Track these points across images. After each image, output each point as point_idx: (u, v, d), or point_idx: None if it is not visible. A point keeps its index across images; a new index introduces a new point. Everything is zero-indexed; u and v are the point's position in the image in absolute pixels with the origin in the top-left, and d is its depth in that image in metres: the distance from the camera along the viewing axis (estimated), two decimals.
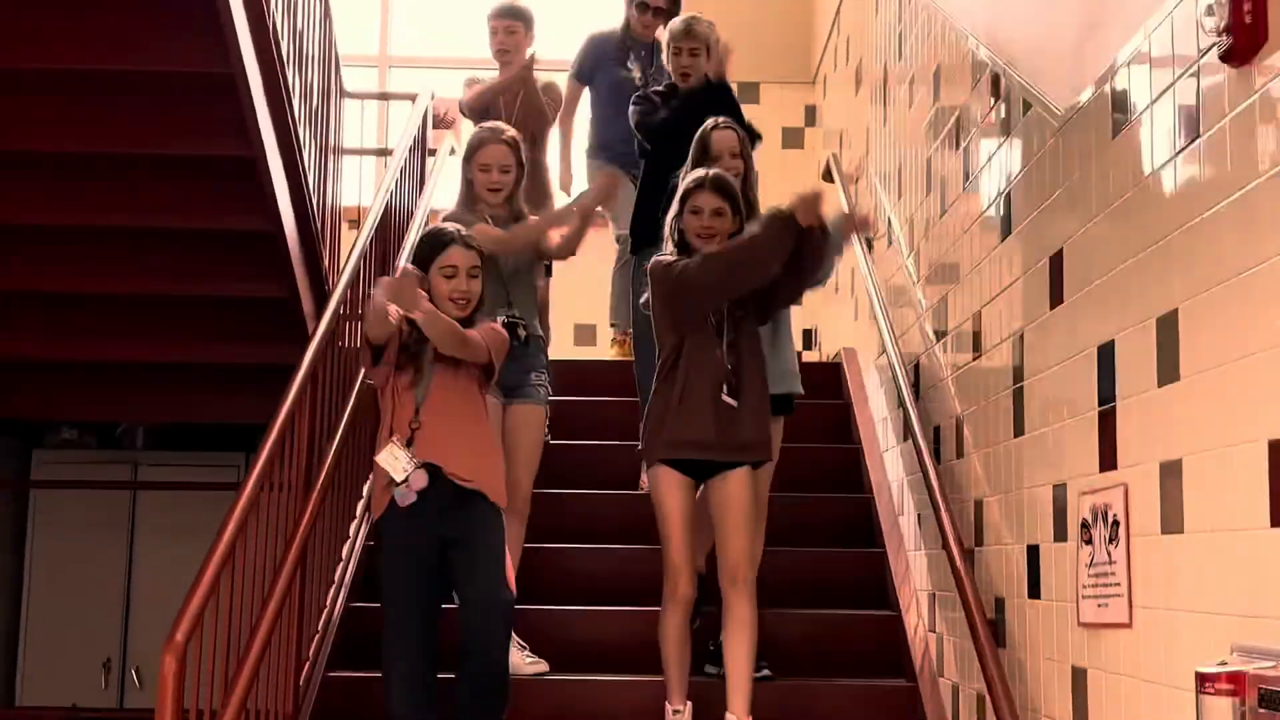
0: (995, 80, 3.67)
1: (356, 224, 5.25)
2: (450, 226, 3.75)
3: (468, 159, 4.27)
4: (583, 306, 7.11)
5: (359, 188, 6.00)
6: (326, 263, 5.34)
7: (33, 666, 6.60)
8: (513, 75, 5.35)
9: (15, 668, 6.61)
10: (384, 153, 6.13)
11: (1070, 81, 3.01)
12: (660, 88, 5.01)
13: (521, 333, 4.15)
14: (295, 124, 4.65)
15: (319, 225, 5.20)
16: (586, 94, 5.92)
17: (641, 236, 4.64)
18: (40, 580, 6.66)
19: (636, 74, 5.60)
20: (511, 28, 5.34)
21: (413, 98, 6.03)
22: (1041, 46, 3.28)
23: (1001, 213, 3.56)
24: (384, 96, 6.55)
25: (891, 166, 5.25)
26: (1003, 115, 3.59)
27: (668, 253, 3.82)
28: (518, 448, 4.17)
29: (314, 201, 5.06)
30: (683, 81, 4.83)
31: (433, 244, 3.67)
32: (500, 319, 4.00)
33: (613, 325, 5.97)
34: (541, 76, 5.46)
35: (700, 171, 3.82)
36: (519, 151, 4.29)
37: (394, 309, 3.47)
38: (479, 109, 5.35)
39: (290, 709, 3.78)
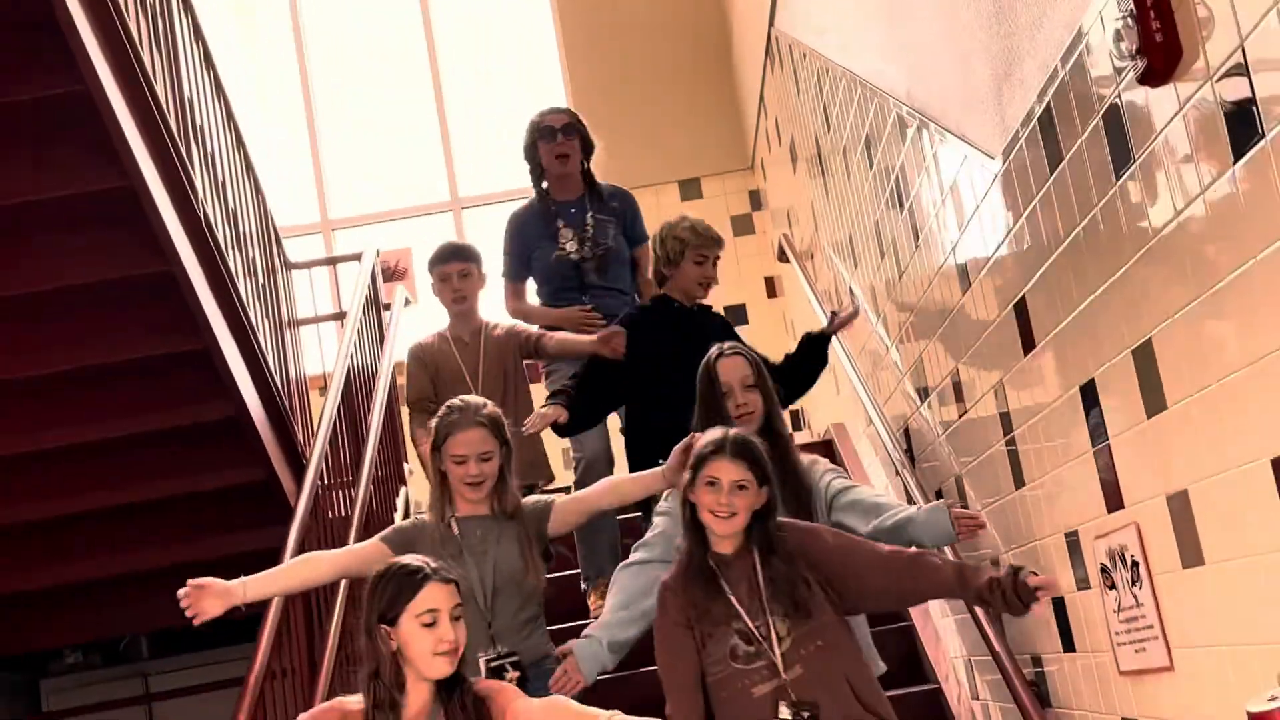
0: (924, 136, 3.65)
1: (325, 390, 5.20)
2: (417, 560, 2.75)
3: (436, 447, 3.36)
4: None
5: (320, 355, 5.95)
6: (301, 436, 5.28)
7: None
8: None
9: None
10: (339, 316, 6.09)
11: (997, 126, 2.98)
12: (645, 303, 4.46)
13: (511, 676, 3.16)
14: (244, 307, 4.62)
15: (286, 401, 5.14)
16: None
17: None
18: None
19: (571, 250, 4.84)
20: (465, 270, 4.67)
21: (358, 257, 6.01)
22: (962, 97, 3.26)
23: (957, 264, 3.51)
24: (330, 261, 6.54)
25: (842, 235, 5.22)
26: (938, 169, 3.56)
27: (674, 540, 3.07)
28: None
29: (276, 379, 5.01)
30: (700, 295, 4.28)
31: (400, 585, 2.70)
32: (483, 660, 3.15)
33: (585, 581, 4.68)
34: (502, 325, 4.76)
35: (718, 433, 2.99)
36: (501, 430, 3.37)
37: None
38: None
39: None
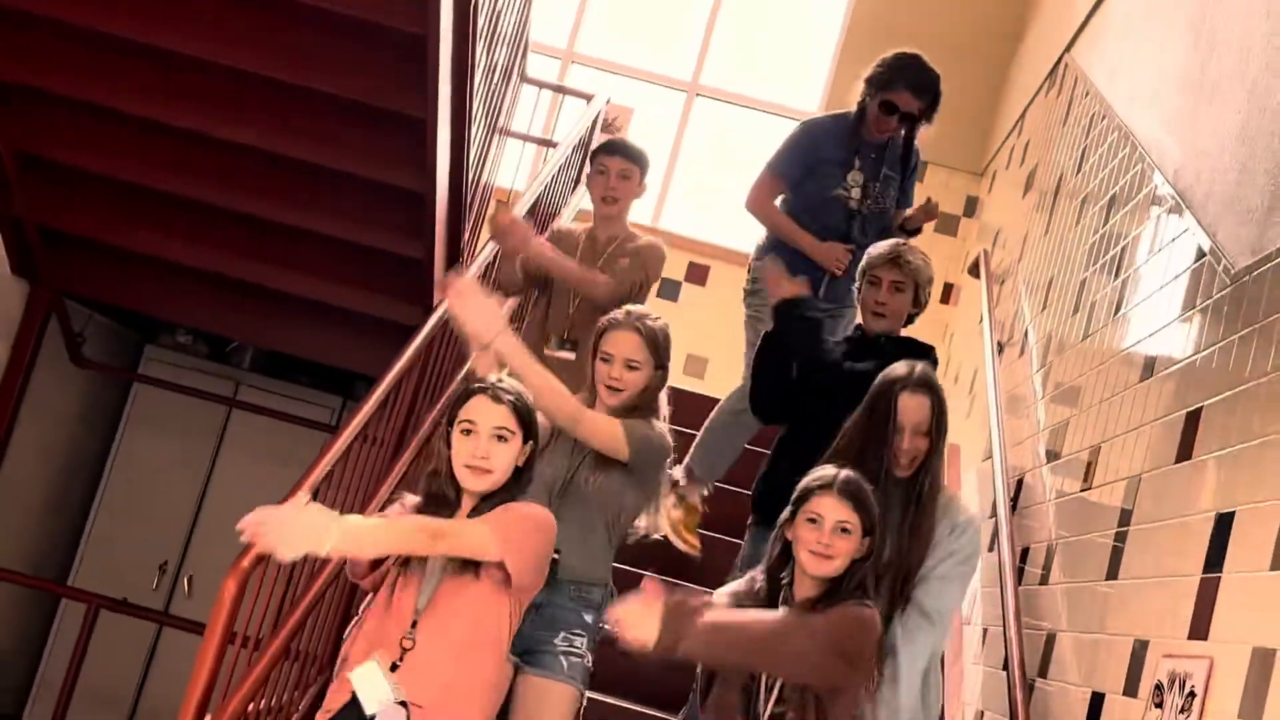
0: (1173, 218, 3.59)
1: (505, 205, 5.30)
2: (478, 384, 2.85)
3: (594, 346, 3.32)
4: (699, 338, 7.08)
5: (515, 171, 6.06)
6: (466, 235, 5.41)
7: (92, 552, 6.73)
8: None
9: (76, 550, 6.75)
10: (548, 143, 6.18)
11: (1252, 240, 2.93)
12: (849, 333, 4.10)
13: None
14: (472, 97, 4.71)
15: (470, 198, 5.26)
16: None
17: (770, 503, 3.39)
18: (120, 471, 6.79)
19: (854, 195, 4.51)
20: (626, 171, 4.27)
21: (589, 97, 6.08)
22: (1230, 194, 3.21)
23: (1147, 353, 3.47)
24: (562, 89, 6.60)
25: (1042, 277, 5.16)
26: (1172, 256, 3.51)
27: (752, 575, 2.92)
28: None
29: (470, 175, 5.12)
30: (874, 322, 3.85)
31: (460, 394, 2.87)
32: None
33: (689, 475, 4.53)
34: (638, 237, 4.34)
35: (827, 471, 2.85)
36: (659, 349, 3.29)
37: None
38: (529, 272, 4.27)
39: (328, 655, 3.83)
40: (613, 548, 3.26)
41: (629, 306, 3.37)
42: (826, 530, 2.72)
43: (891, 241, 3.93)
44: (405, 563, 2.75)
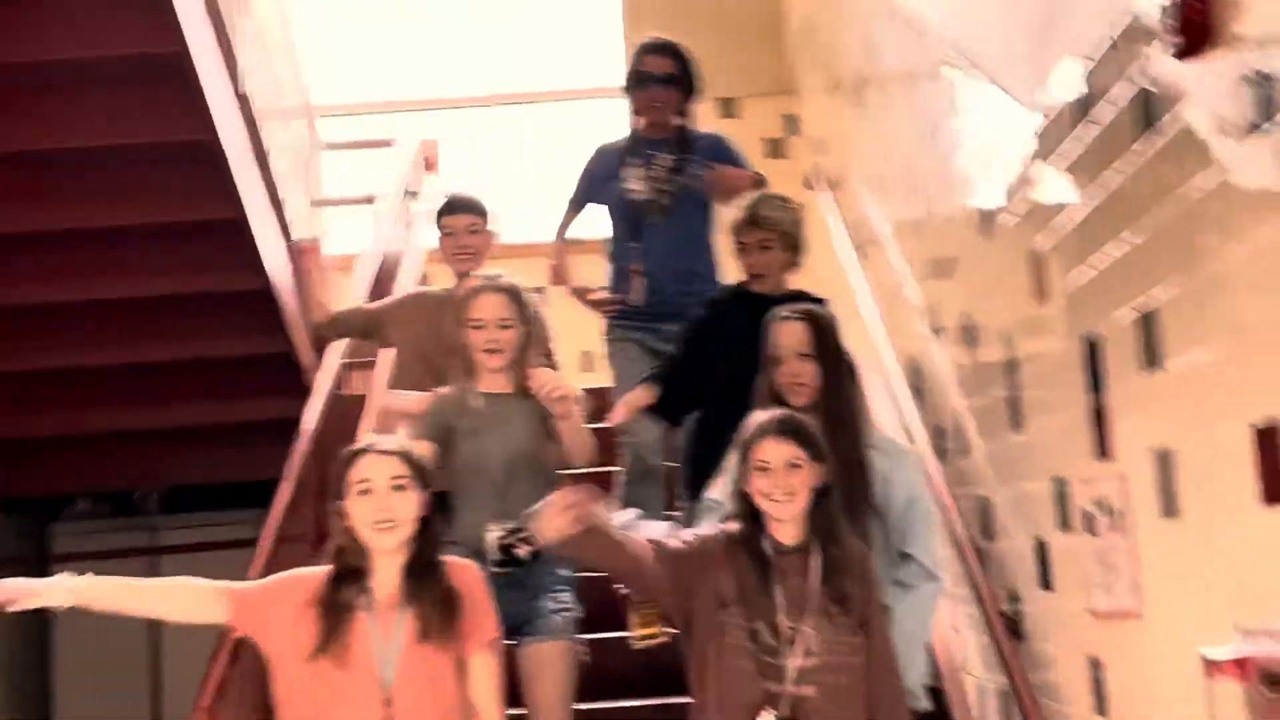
0: (964, 81, 3.69)
1: (348, 271, 5.29)
2: (359, 446, 2.79)
3: (460, 321, 3.37)
4: (581, 331, 7.08)
5: (349, 236, 6.04)
6: None
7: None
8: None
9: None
10: (369, 199, 6.16)
11: (1036, 79, 3.04)
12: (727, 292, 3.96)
13: (521, 552, 3.04)
14: (274, 183, 4.70)
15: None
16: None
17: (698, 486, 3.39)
18: (67, 658, 6.68)
19: (634, 187, 4.45)
20: (473, 225, 4.16)
21: (390, 143, 6.07)
22: (1004, 46, 3.31)
23: (982, 210, 3.58)
24: (365, 145, 6.58)
25: (874, 170, 5.27)
26: (974, 114, 3.61)
27: (720, 520, 2.85)
28: (539, 709, 3.13)
29: None
30: (757, 285, 3.76)
31: (343, 462, 2.75)
32: (493, 535, 3.06)
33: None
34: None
35: (763, 415, 2.83)
36: (522, 302, 3.38)
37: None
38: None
39: None
40: None
41: (483, 271, 3.47)
42: (780, 473, 2.69)
43: (749, 201, 3.82)
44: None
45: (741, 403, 3.04)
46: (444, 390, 3.42)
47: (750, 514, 2.72)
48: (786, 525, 2.70)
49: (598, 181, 4.62)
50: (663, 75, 4.47)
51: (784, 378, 3.09)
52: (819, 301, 3.68)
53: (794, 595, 2.65)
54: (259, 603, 2.73)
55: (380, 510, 2.66)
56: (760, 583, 2.65)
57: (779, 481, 2.68)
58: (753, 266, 3.72)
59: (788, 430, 2.73)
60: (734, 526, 2.75)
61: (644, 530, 2.81)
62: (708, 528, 2.83)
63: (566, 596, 3.22)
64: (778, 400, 3.07)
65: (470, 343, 3.34)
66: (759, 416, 2.81)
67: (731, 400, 3.17)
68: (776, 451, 2.70)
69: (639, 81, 4.51)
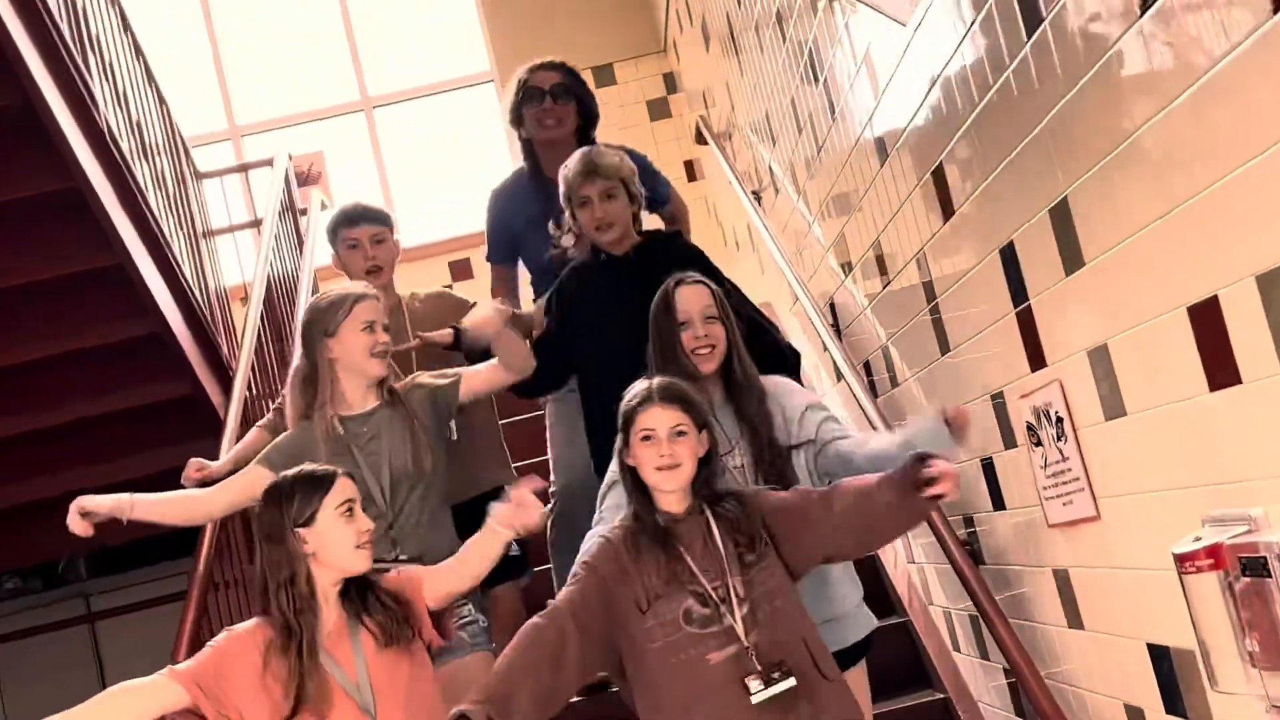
0: (836, 7, 3.62)
1: (246, 301, 5.14)
2: (310, 466, 2.75)
3: (328, 334, 3.21)
4: None
5: (239, 266, 5.87)
6: (226, 348, 5.23)
7: None
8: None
9: None
10: (255, 224, 6.00)
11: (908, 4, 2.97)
12: (575, 262, 3.63)
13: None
14: (156, 219, 4.53)
15: (208, 313, 5.08)
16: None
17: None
18: None
19: (567, 244, 3.96)
20: (378, 235, 3.84)
21: (270, 162, 5.90)
22: None
23: (874, 136, 3.52)
24: (241, 169, 6.40)
25: (759, 114, 5.20)
26: (851, 40, 3.54)
27: (616, 513, 2.77)
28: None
29: (196, 292, 4.94)
30: (605, 236, 3.46)
31: (311, 486, 2.67)
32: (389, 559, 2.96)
33: None
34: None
35: (640, 385, 2.70)
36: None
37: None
38: None
39: None
40: (445, 508, 3.24)
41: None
42: (664, 440, 2.59)
43: (576, 156, 3.52)
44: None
45: (624, 369, 2.89)
46: (303, 425, 3.21)
47: (638, 486, 2.64)
48: (673, 496, 2.62)
49: (517, 236, 4.14)
50: (554, 89, 4.02)
51: (694, 342, 2.99)
52: (673, 236, 3.63)
53: (706, 557, 2.57)
54: (211, 675, 2.60)
55: (364, 529, 2.66)
56: (669, 561, 2.57)
57: (664, 450, 2.59)
58: (601, 219, 3.44)
59: (671, 396, 2.64)
60: (618, 530, 2.65)
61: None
62: (595, 548, 2.68)
63: (465, 610, 3.09)
64: (682, 366, 2.96)
65: (358, 347, 3.16)
66: (637, 385, 2.70)
67: (612, 367, 3.01)
68: (660, 419, 2.61)
69: (528, 97, 4.04)
